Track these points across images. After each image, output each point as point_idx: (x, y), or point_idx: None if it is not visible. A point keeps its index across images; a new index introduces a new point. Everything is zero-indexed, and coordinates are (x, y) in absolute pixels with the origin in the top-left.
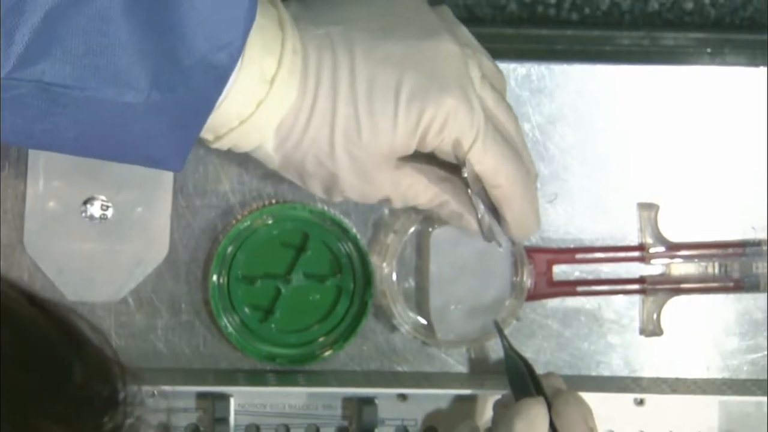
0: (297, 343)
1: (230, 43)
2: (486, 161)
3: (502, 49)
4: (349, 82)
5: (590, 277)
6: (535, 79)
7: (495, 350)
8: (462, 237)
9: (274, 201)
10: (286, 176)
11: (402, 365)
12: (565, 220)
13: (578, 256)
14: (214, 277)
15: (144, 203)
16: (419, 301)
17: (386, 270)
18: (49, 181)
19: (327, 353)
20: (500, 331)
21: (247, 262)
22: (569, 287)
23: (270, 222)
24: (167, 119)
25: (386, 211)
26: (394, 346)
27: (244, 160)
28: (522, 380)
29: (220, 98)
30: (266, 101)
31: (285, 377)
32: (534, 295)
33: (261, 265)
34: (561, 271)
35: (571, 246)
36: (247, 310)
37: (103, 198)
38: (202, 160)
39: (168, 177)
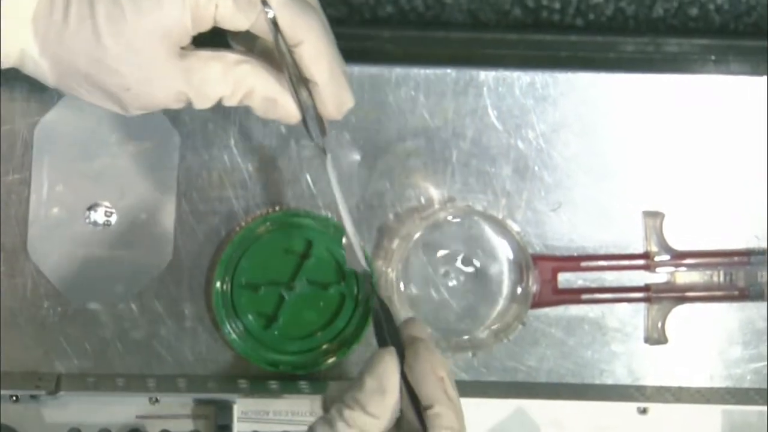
0: (300, 350)
1: None
2: (282, 12)
3: (506, 56)
4: None
5: (594, 285)
6: (539, 88)
7: (499, 358)
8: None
9: (278, 208)
10: (73, 93)
11: None
12: (569, 228)
13: (583, 264)
14: (218, 284)
15: (147, 209)
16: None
17: (391, 275)
18: (53, 187)
19: (330, 360)
20: (368, 277)
21: (251, 269)
22: (574, 295)
23: (274, 229)
24: None
25: (391, 216)
26: None
27: (249, 166)
28: (381, 328)
29: None
30: None
31: (288, 384)
32: (538, 303)
33: (265, 272)
34: (565, 279)
35: (576, 254)
36: (250, 316)
37: (107, 204)
38: (206, 166)
39: (172, 183)
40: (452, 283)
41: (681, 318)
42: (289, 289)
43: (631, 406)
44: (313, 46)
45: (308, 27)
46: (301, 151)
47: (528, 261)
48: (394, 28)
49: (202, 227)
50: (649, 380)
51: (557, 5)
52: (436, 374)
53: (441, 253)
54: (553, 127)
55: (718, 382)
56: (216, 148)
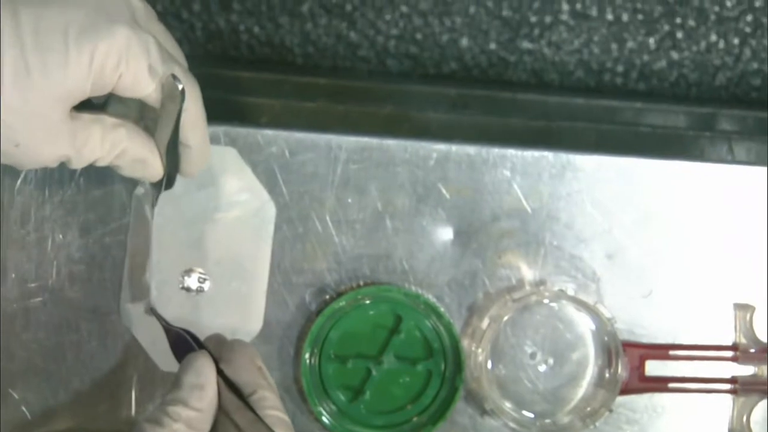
0: (386, 425)
1: None
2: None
3: (599, 141)
4: (13, 23)
5: (681, 374)
6: (634, 174)
7: None
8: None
9: (369, 282)
10: None
11: None
12: (659, 315)
13: (671, 353)
14: (306, 356)
15: (241, 277)
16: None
17: (480, 355)
18: (148, 251)
19: None
20: (154, 312)
21: (340, 342)
22: (661, 383)
23: (365, 303)
24: None
25: (480, 295)
26: (482, 431)
27: (342, 240)
28: (186, 347)
29: None
30: None
31: None
32: (625, 389)
33: (353, 346)
34: (652, 366)
35: (664, 342)
36: (337, 389)
37: (201, 270)
38: (301, 238)
39: (266, 252)
40: (540, 365)
41: (766, 412)
42: (377, 364)
43: None
44: (194, 114)
45: (194, 96)
46: (395, 227)
47: (618, 347)
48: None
49: (294, 298)
50: None
51: (620, 68)
52: (255, 364)
53: (530, 334)
54: (647, 214)
55: None
56: (311, 221)
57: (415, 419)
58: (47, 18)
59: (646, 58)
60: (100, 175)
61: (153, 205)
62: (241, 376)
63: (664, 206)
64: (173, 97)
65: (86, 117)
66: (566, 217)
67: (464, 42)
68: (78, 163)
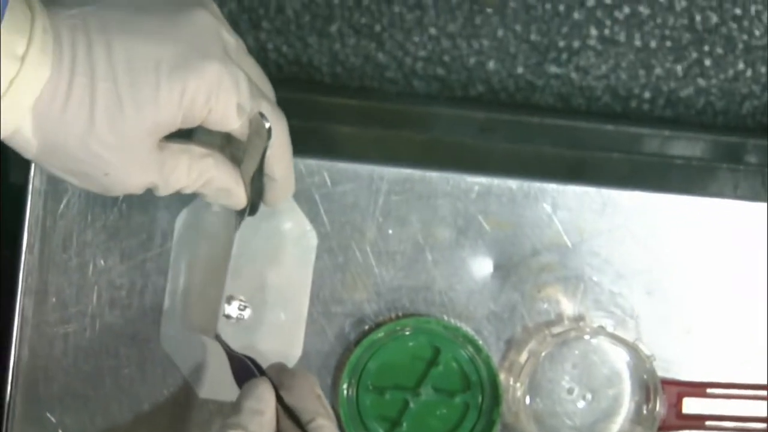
0: None
1: None
2: (272, 122)
3: (643, 178)
4: (107, 58)
5: (718, 412)
6: (674, 210)
7: None
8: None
9: (408, 314)
10: (49, 169)
11: None
12: (698, 353)
13: (709, 390)
14: (344, 386)
15: (282, 305)
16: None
17: (519, 391)
18: (189, 279)
19: None
20: (219, 339)
21: (378, 373)
22: (698, 421)
23: (404, 334)
24: None
25: (519, 329)
26: None
27: (382, 271)
28: (248, 373)
29: None
30: (18, 78)
31: None
32: (663, 426)
33: (391, 377)
34: (690, 403)
35: (701, 380)
36: (374, 420)
37: (242, 298)
38: (341, 268)
39: (307, 280)
40: (578, 401)
41: None
42: (414, 396)
43: None
44: (280, 149)
45: (281, 132)
46: (435, 259)
47: (657, 384)
48: (487, 109)
49: (333, 328)
50: None
51: (647, 95)
52: (314, 392)
53: (568, 369)
54: (687, 251)
55: None
56: (351, 251)
57: None
58: (140, 52)
59: (673, 84)
60: (142, 201)
61: (235, 229)
62: (300, 403)
63: (704, 243)
64: (260, 134)
65: (175, 147)
66: (606, 253)
67: (491, 65)
68: (164, 191)
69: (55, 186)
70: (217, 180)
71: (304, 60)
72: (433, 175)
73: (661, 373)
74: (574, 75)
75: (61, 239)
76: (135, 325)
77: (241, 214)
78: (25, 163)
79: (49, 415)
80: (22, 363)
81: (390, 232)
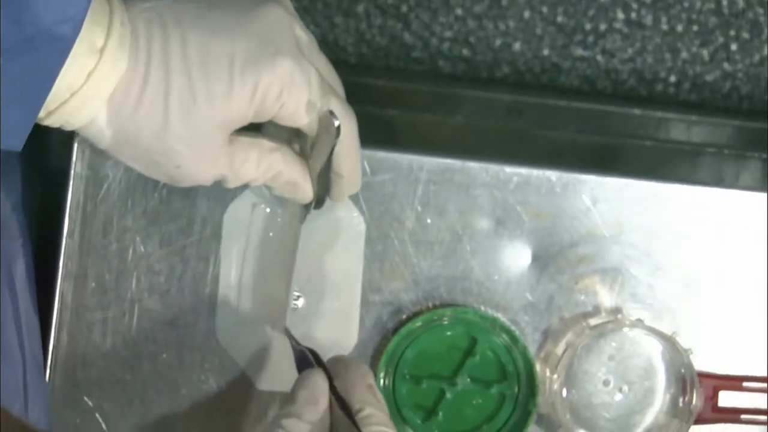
0: None
1: (74, 15)
2: (341, 119)
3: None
4: (181, 52)
5: (754, 405)
6: (715, 204)
7: None
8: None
9: (445, 303)
10: (119, 158)
11: None
12: (735, 346)
13: (745, 384)
14: (381, 375)
15: (334, 293)
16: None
17: (556, 382)
18: (241, 272)
19: None
20: (287, 332)
21: (415, 362)
22: (734, 414)
23: (441, 324)
24: (11, 90)
25: (556, 320)
26: None
27: (421, 261)
28: (308, 365)
29: None
30: (96, 71)
31: None
32: (698, 419)
33: (428, 366)
34: (725, 397)
35: (738, 373)
36: (410, 409)
37: (295, 288)
38: (379, 257)
39: (358, 266)
40: (614, 393)
41: None
42: (451, 385)
43: None
44: (348, 146)
45: (349, 129)
46: (473, 249)
47: (693, 377)
48: (513, 92)
49: (370, 317)
50: None
51: (673, 78)
52: (366, 382)
53: (604, 361)
54: (725, 245)
55: None
56: (390, 240)
57: None
58: (214, 47)
59: (699, 69)
60: (182, 188)
61: (301, 222)
62: (350, 392)
63: (743, 237)
64: (329, 131)
65: (245, 140)
66: (644, 245)
67: (517, 46)
68: (233, 183)
69: (96, 171)
70: (285, 174)
71: (330, 39)
72: (473, 165)
73: (697, 366)
74: (600, 58)
75: (102, 224)
76: (174, 310)
77: (306, 208)
78: (67, 148)
79: (86, 399)
80: (61, 347)
81: (428, 221)
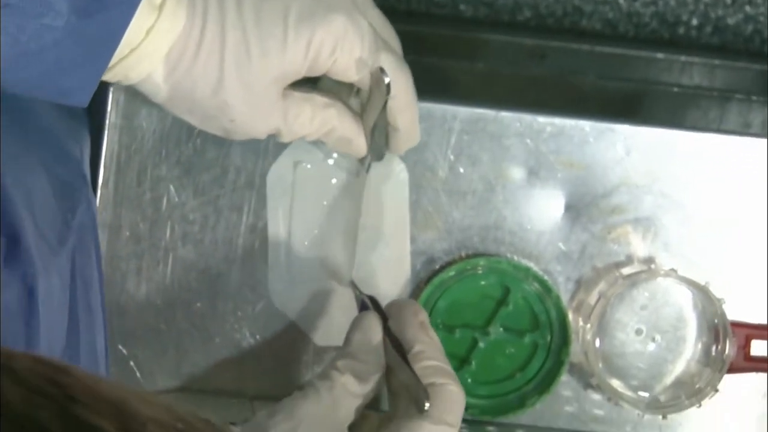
0: (490, 395)
1: None
2: (391, 74)
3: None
4: (237, 8)
5: None
6: (752, 153)
7: (686, 426)
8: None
9: (478, 252)
10: (174, 111)
11: (594, 426)
12: (766, 295)
13: None
14: None
15: (384, 242)
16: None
17: (589, 332)
18: (288, 230)
19: (519, 408)
20: (353, 284)
21: (448, 311)
22: (766, 363)
23: (474, 273)
24: (81, 47)
25: (588, 270)
26: (587, 406)
27: (453, 210)
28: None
29: None
30: (155, 28)
31: (475, 427)
32: (731, 368)
33: (461, 315)
34: (758, 346)
35: None
36: None
37: None
38: (412, 207)
39: (405, 214)
40: (647, 342)
41: None
42: (484, 334)
43: None
44: (403, 101)
45: (404, 84)
46: (506, 198)
47: (726, 327)
48: (535, 36)
49: None
50: None
51: (695, 22)
52: (417, 318)
53: (637, 311)
54: (760, 194)
55: None
56: (422, 190)
57: (519, 391)
58: (269, 3)
59: (721, 12)
60: (216, 137)
61: (359, 176)
62: (404, 331)
63: None
64: (380, 87)
65: (298, 95)
66: (677, 195)
67: None
68: (287, 138)
69: (130, 121)
70: (339, 130)
71: None
72: (506, 115)
73: (729, 315)
74: (621, 0)
75: (136, 174)
76: (207, 260)
77: (362, 161)
78: (101, 99)
79: (121, 347)
80: None
81: (461, 171)
